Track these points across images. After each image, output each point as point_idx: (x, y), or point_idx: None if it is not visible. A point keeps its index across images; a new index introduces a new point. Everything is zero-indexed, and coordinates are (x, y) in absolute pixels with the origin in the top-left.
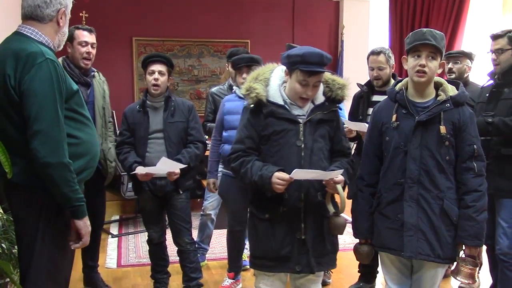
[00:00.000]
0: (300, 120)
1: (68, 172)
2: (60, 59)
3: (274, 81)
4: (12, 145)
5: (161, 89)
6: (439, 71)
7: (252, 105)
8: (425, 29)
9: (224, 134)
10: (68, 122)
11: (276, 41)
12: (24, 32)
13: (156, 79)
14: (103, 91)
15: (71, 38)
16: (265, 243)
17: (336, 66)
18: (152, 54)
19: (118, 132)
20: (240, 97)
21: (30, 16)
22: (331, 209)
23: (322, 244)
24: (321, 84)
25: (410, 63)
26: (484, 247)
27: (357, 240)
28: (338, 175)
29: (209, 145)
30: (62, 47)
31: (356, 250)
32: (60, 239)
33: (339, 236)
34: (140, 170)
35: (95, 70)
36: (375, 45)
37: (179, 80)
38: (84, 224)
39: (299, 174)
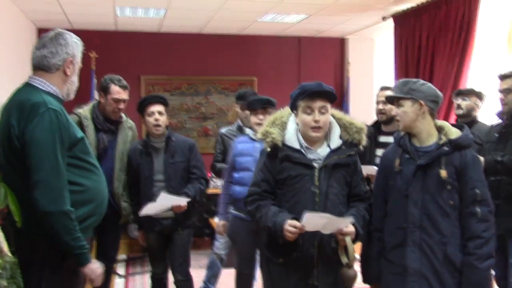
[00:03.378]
0: (316, 165)
1: (68, 221)
2: (90, 105)
3: (291, 125)
4: (16, 193)
5: (162, 129)
6: (421, 111)
7: (268, 149)
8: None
9: (235, 175)
10: (72, 169)
11: (283, 78)
12: (32, 83)
13: (157, 119)
14: (126, 136)
15: (105, 91)
16: (279, 287)
17: (342, 102)
18: (148, 96)
19: None
20: (252, 139)
21: (37, 66)
22: (344, 259)
23: None
24: (338, 127)
25: None
26: None
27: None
28: (348, 224)
29: (215, 184)
30: (72, 96)
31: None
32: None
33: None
34: (145, 211)
35: (123, 116)
36: (381, 81)
37: (187, 118)
38: (90, 270)
39: (310, 219)
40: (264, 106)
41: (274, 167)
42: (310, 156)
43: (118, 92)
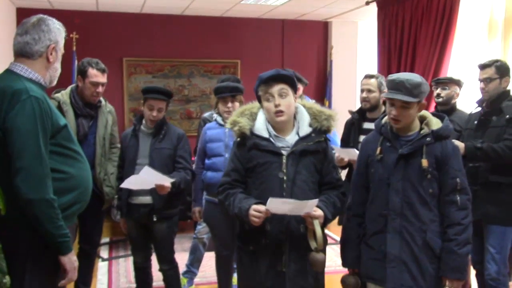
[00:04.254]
0: (284, 152)
1: (51, 208)
2: (68, 88)
3: (261, 115)
4: (0, 180)
5: (157, 122)
6: (418, 111)
7: (238, 139)
8: (401, 77)
9: (207, 161)
10: (55, 157)
11: (266, 61)
12: (14, 70)
13: (154, 116)
14: (106, 121)
15: (83, 74)
16: (250, 275)
17: (325, 86)
18: (154, 89)
19: None
20: (220, 125)
21: (20, 53)
22: (312, 244)
23: (304, 278)
24: (308, 115)
25: (387, 108)
26: (474, 272)
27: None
28: (314, 207)
29: None
30: (55, 82)
31: (343, 281)
32: (49, 276)
33: (329, 257)
34: (126, 184)
35: (102, 100)
36: (363, 66)
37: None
38: (69, 260)
39: (275, 204)
40: (232, 93)
41: (243, 156)
42: (279, 144)
43: (96, 75)
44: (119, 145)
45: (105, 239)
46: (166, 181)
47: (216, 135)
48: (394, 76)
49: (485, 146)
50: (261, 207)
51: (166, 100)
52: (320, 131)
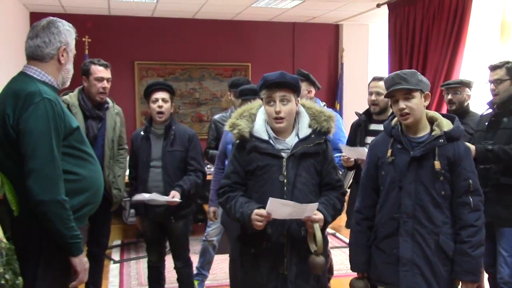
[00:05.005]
0: (284, 155)
1: (62, 210)
2: (76, 90)
3: (260, 116)
4: (12, 182)
5: (165, 116)
6: (426, 103)
7: (237, 141)
8: (393, 73)
9: (226, 162)
10: (68, 159)
11: (277, 64)
12: (28, 72)
13: (160, 107)
14: (114, 123)
15: (87, 73)
16: (252, 277)
17: (336, 89)
18: (154, 83)
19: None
20: None
21: (32, 56)
22: (312, 247)
23: (305, 280)
24: (307, 117)
25: (393, 108)
26: (486, 276)
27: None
28: (314, 211)
29: (209, 170)
30: (68, 84)
31: (351, 285)
32: (61, 277)
33: (340, 261)
34: (136, 197)
35: (110, 102)
36: (375, 68)
37: (181, 103)
38: (80, 261)
39: (275, 205)
40: (255, 96)
41: (243, 158)
42: (279, 146)
43: (99, 70)
44: (126, 146)
45: (116, 242)
46: (175, 198)
47: None
48: (388, 76)
49: (496, 148)
50: (263, 212)
51: (169, 90)
52: (320, 133)
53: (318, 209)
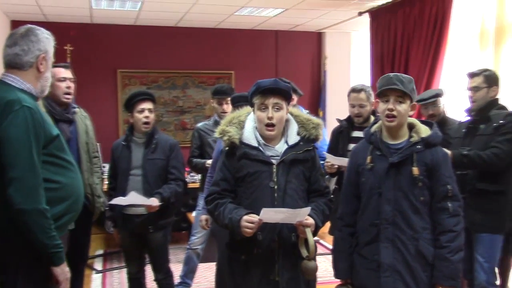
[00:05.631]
0: (274, 161)
1: (43, 219)
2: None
3: (249, 123)
4: None
5: (151, 126)
6: (411, 113)
7: (226, 148)
8: (392, 74)
9: None
10: (48, 167)
11: (260, 72)
12: (6, 80)
13: (147, 117)
14: (85, 126)
15: None
16: (243, 285)
17: (319, 96)
18: (139, 92)
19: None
20: None
21: (10, 64)
22: (304, 252)
23: (297, 286)
24: (296, 124)
25: (380, 107)
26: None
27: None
28: (306, 216)
29: (193, 178)
30: (46, 92)
31: None
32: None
33: (324, 267)
34: (114, 201)
35: (76, 106)
36: (357, 76)
37: (164, 111)
38: (62, 271)
39: (268, 214)
40: (247, 102)
41: (233, 165)
42: (268, 152)
43: (60, 71)
44: (98, 155)
45: (99, 251)
46: (153, 202)
47: None
48: (386, 75)
49: (471, 153)
50: (253, 218)
51: (152, 100)
52: (309, 140)
53: (309, 215)
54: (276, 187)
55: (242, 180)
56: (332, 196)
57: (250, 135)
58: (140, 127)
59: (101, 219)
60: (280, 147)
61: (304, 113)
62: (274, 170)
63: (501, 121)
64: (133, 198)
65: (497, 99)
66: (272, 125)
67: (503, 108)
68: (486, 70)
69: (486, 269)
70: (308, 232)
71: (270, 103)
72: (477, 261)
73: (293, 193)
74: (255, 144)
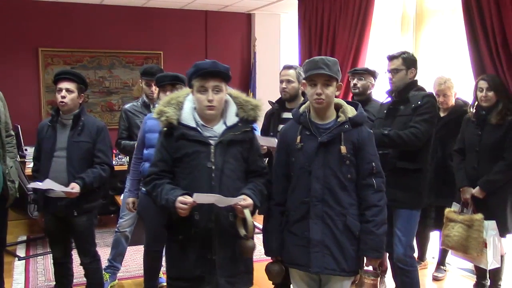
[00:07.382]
0: (212, 142)
1: None
2: None
3: (187, 104)
4: None
5: (68, 106)
6: (337, 93)
7: (164, 128)
8: (318, 57)
9: (145, 152)
10: None
11: (189, 53)
12: None
13: (63, 97)
14: None
15: None
16: (179, 264)
17: (249, 77)
18: (60, 72)
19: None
20: None
21: None
22: (242, 231)
23: (234, 264)
24: (234, 105)
25: (308, 91)
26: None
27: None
28: (243, 197)
29: (121, 160)
30: None
31: (267, 269)
32: None
33: (257, 248)
34: (31, 185)
35: None
36: (286, 57)
37: (90, 92)
38: None
39: (201, 197)
40: (172, 82)
41: (171, 145)
42: (206, 133)
43: None
44: (13, 133)
45: (22, 237)
46: (74, 188)
47: (155, 126)
48: (311, 58)
49: (391, 133)
50: (187, 199)
51: (75, 81)
52: (247, 121)
53: (247, 194)
54: (213, 167)
55: (180, 160)
56: None
57: (188, 116)
58: (59, 105)
59: (22, 203)
60: (219, 128)
61: (239, 92)
62: (212, 150)
63: (419, 102)
64: (50, 184)
65: (415, 81)
66: (213, 106)
67: (422, 89)
68: (404, 52)
69: (403, 243)
70: (247, 212)
71: (210, 85)
72: (396, 235)
73: (231, 173)
74: (193, 125)
